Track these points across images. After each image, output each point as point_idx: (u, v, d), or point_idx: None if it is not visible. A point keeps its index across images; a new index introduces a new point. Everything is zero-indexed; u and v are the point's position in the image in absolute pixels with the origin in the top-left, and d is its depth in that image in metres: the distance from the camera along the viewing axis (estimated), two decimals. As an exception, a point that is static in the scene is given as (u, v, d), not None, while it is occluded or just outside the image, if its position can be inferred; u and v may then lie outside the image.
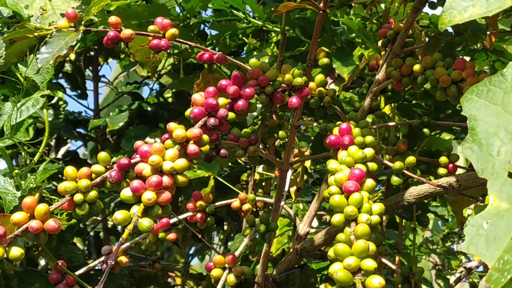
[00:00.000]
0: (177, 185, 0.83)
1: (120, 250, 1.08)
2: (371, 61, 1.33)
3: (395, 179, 1.00)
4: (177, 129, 0.84)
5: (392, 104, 1.35)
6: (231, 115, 0.92)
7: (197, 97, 0.91)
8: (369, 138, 0.95)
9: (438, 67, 1.00)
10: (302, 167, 1.30)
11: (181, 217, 1.14)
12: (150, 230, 0.75)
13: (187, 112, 0.89)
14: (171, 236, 1.13)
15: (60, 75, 1.93)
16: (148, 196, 0.76)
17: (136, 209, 0.76)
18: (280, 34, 1.44)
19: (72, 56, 1.29)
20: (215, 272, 1.01)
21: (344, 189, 0.83)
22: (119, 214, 0.75)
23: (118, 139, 1.79)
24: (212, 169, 1.34)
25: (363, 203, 0.81)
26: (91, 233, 2.03)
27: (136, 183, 0.78)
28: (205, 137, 0.87)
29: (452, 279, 2.91)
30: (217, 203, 1.18)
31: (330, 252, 0.74)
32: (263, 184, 1.58)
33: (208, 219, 1.16)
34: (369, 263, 0.71)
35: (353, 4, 1.28)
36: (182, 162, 0.81)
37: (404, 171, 0.98)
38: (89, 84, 2.70)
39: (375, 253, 0.74)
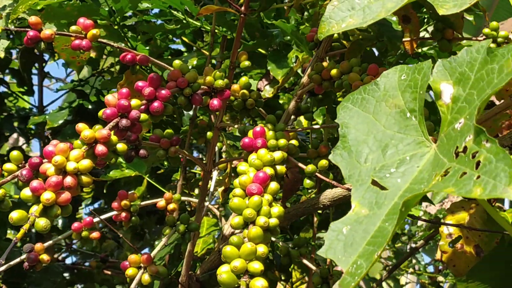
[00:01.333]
0: (82, 185, 0.84)
1: (41, 247, 1.08)
2: (305, 64, 1.35)
3: (307, 182, 1.01)
4: (85, 130, 0.85)
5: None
6: (144, 116, 0.93)
7: (110, 98, 0.92)
8: (282, 141, 0.96)
9: (352, 72, 1.01)
10: (230, 167, 1.32)
11: (104, 216, 1.15)
12: (46, 230, 0.76)
13: (100, 113, 0.90)
14: (94, 235, 1.14)
15: (7, 71, 1.92)
16: (47, 196, 0.77)
17: (35, 209, 0.77)
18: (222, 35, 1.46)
19: (2, 54, 1.28)
20: (130, 272, 1.02)
21: (247, 192, 0.84)
22: (15, 214, 0.76)
23: (56, 136, 1.79)
24: (140, 168, 1.34)
25: (262, 205, 0.82)
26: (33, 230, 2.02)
27: (35, 183, 0.78)
28: (114, 138, 0.87)
29: (402, 279, 2.95)
30: (143, 203, 1.19)
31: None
32: (200, 184, 1.59)
33: (133, 218, 1.17)
34: (256, 266, 0.73)
35: (285, 8, 1.30)
36: (86, 163, 0.82)
37: (317, 174, 1.00)
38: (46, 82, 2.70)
39: (265, 256, 0.76)
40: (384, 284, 2.78)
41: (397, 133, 0.61)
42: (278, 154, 0.93)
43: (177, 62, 1.09)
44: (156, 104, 0.96)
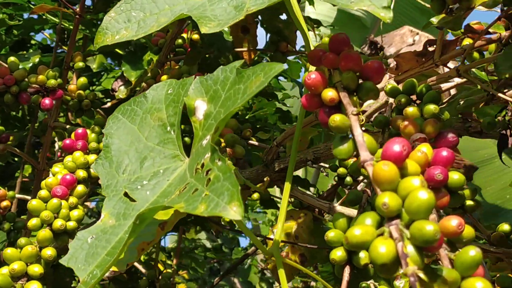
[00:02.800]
0: None
1: None
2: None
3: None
4: None
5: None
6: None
7: None
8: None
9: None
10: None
11: None
12: None
13: None
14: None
15: None
16: None
17: None
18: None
19: None
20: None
21: (52, 194, 0.84)
22: None
23: None
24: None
25: (61, 208, 0.82)
26: None
27: None
28: None
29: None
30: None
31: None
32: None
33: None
34: (36, 269, 0.73)
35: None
36: None
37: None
38: None
39: (53, 259, 0.76)
40: (257, 286, 2.83)
41: (156, 146, 0.62)
42: (92, 158, 0.93)
43: (12, 58, 1.07)
44: (-27, 100, 0.94)
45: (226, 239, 2.57)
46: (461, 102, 0.78)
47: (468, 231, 0.56)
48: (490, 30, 0.77)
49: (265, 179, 0.70)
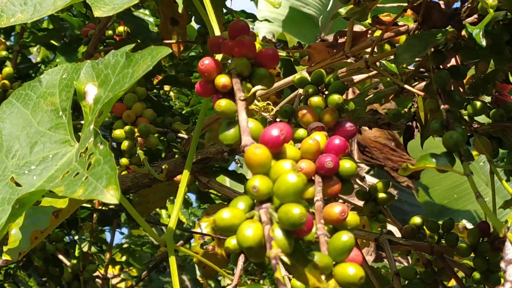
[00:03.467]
0: None
1: None
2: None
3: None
4: None
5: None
6: None
7: None
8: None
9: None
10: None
11: None
12: None
13: None
14: None
15: None
16: None
17: None
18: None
19: None
20: None
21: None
22: None
23: None
24: None
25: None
26: None
27: None
28: None
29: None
30: None
31: None
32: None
33: None
34: None
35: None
36: None
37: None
38: None
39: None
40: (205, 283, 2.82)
41: (48, 131, 0.61)
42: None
43: None
44: None
45: (175, 235, 2.55)
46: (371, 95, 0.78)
47: (353, 218, 0.56)
48: (400, 22, 0.77)
49: (163, 166, 0.69)
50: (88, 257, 1.32)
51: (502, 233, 0.51)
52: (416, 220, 0.84)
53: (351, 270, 0.47)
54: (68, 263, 1.13)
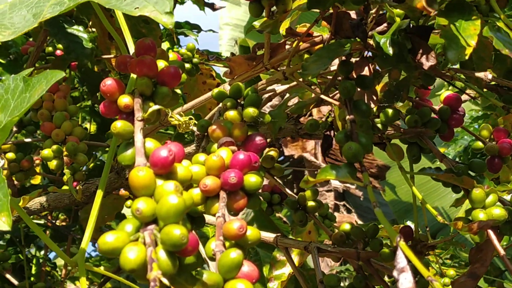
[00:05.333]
0: None
1: None
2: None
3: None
4: None
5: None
6: None
7: None
8: None
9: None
10: None
11: None
12: None
13: None
14: None
15: None
16: None
17: None
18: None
19: None
20: None
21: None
22: None
23: None
24: None
25: None
26: None
27: None
28: None
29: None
30: None
31: None
32: None
33: None
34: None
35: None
36: None
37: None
38: None
39: None
40: None
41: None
42: None
43: None
44: None
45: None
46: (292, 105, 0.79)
47: (253, 233, 0.56)
48: (315, 33, 0.78)
49: (77, 187, 0.69)
50: (43, 274, 1.31)
51: (395, 242, 0.52)
52: (345, 226, 0.85)
53: (239, 285, 0.48)
54: (16, 283, 1.12)
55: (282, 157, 3.10)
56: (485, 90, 0.75)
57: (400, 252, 0.52)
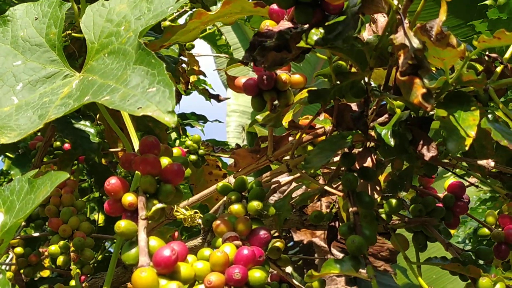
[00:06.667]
0: None
1: None
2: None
3: None
4: None
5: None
6: None
7: None
8: None
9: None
10: None
11: None
12: None
13: None
14: None
15: None
16: None
17: None
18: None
19: None
20: None
21: None
22: None
23: None
24: None
25: None
26: None
27: None
28: None
29: None
30: None
31: None
32: None
33: None
34: None
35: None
36: None
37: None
38: None
39: None
40: None
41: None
42: None
43: None
44: None
45: None
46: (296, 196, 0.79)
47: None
48: (317, 125, 0.79)
49: (83, 285, 0.69)
50: None
51: None
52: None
53: None
54: None
55: (291, 243, 3.07)
56: (488, 177, 0.75)
57: None
